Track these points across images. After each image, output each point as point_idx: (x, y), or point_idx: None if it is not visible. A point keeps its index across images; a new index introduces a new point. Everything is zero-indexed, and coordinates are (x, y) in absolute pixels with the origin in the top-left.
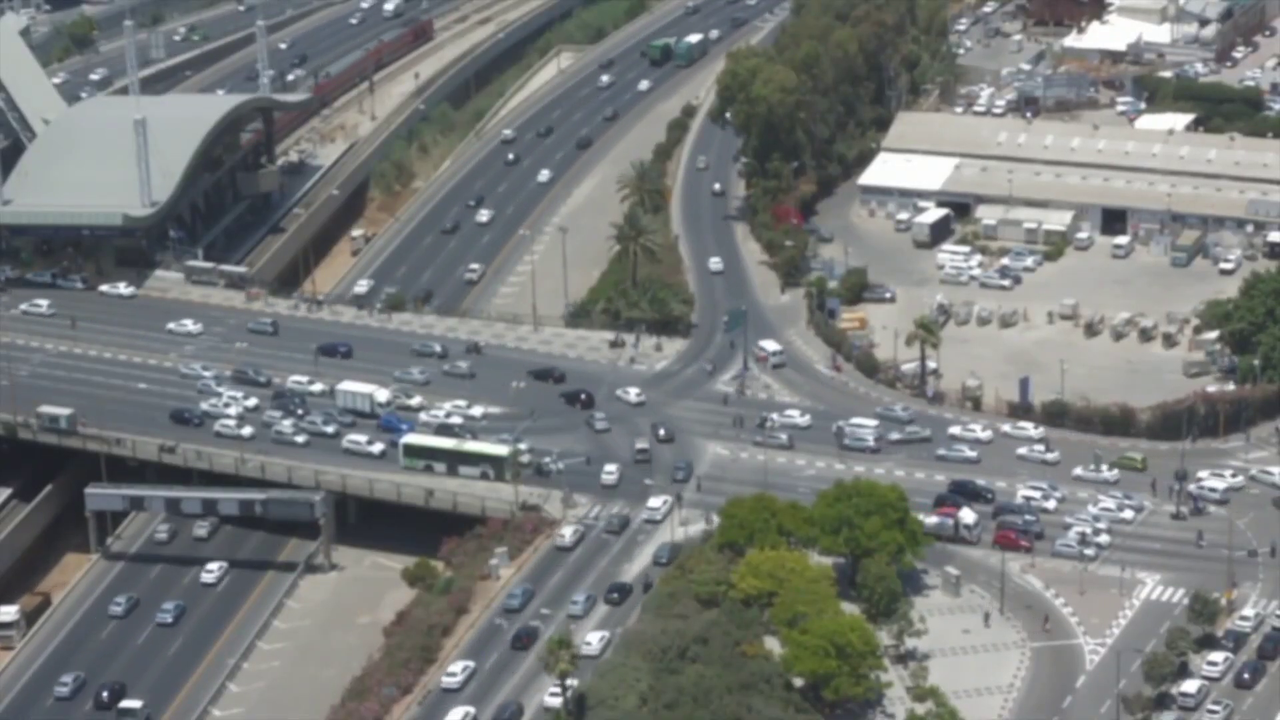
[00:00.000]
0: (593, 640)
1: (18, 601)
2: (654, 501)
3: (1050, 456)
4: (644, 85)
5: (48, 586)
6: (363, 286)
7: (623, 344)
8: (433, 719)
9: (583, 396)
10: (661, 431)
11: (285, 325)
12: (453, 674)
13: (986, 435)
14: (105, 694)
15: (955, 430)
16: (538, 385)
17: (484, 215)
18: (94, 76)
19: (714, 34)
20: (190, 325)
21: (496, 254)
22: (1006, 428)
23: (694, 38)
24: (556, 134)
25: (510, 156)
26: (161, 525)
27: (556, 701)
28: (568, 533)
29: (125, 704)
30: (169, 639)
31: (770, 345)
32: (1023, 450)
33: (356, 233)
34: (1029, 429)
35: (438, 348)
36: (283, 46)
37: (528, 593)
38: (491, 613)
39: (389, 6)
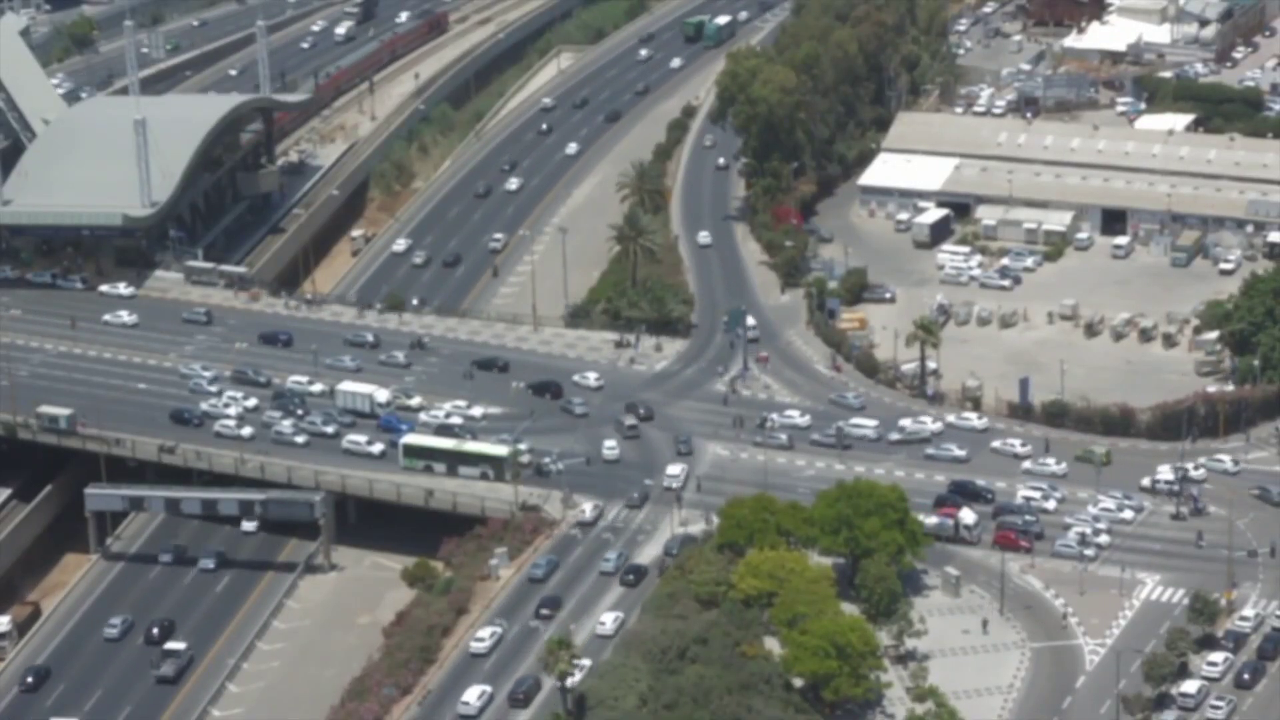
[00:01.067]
0: (607, 620)
1: (9, 611)
2: (673, 469)
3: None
4: (676, 63)
5: (48, 587)
6: (400, 245)
7: (629, 344)
8: (455, 688)
9: (551, 389)
10: (641, 410)
11: (220, 315)
12: (480, 639)
13: (937, 426)
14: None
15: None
16: (483, 374)
17: (513, 183)
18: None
19: (743, 15)
20: (125, 316)
21: (523, 220)
22: (996, 443)
23: (723, 19)
24: (590, 106)
25: (544, 126)
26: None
27: (609, 626)
28: (588, 508)
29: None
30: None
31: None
32: (1028, 464)
33: (356, 233)
34: (1016, 445)
35: (370, 337)
36: (232, 73)
37: (551, 563)
38: (521, 576)
39: (340, 31)
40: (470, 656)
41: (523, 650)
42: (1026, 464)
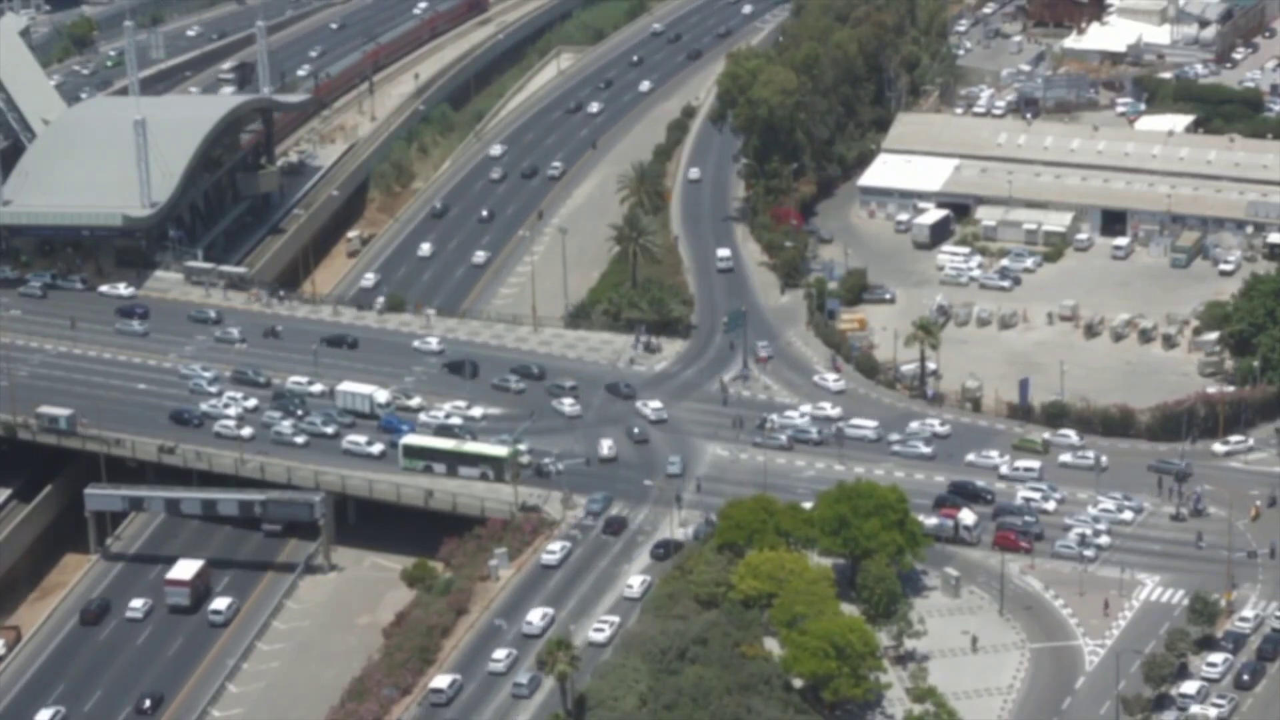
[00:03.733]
0: (634, 584)
1: None
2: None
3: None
4: (748, 9)
5: (48, 587)
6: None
7: (658, 349)
8: (527, 597)
9: (468, 367)
10: (624, 388)
11: (155, 307)
12: (552, 551)
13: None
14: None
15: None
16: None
17: (594, 106)
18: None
19: (747, 9)
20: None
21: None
22: (971, 456)
23: None
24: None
25: (634, 58)
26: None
27: (636, 589)
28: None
29: None
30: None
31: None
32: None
33: (352, 234)
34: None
35: (212, 314)
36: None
37: (607, 498)
38: (584, 506)
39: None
40: (541, 568)
41: (593, 561)
42: (970, 456)
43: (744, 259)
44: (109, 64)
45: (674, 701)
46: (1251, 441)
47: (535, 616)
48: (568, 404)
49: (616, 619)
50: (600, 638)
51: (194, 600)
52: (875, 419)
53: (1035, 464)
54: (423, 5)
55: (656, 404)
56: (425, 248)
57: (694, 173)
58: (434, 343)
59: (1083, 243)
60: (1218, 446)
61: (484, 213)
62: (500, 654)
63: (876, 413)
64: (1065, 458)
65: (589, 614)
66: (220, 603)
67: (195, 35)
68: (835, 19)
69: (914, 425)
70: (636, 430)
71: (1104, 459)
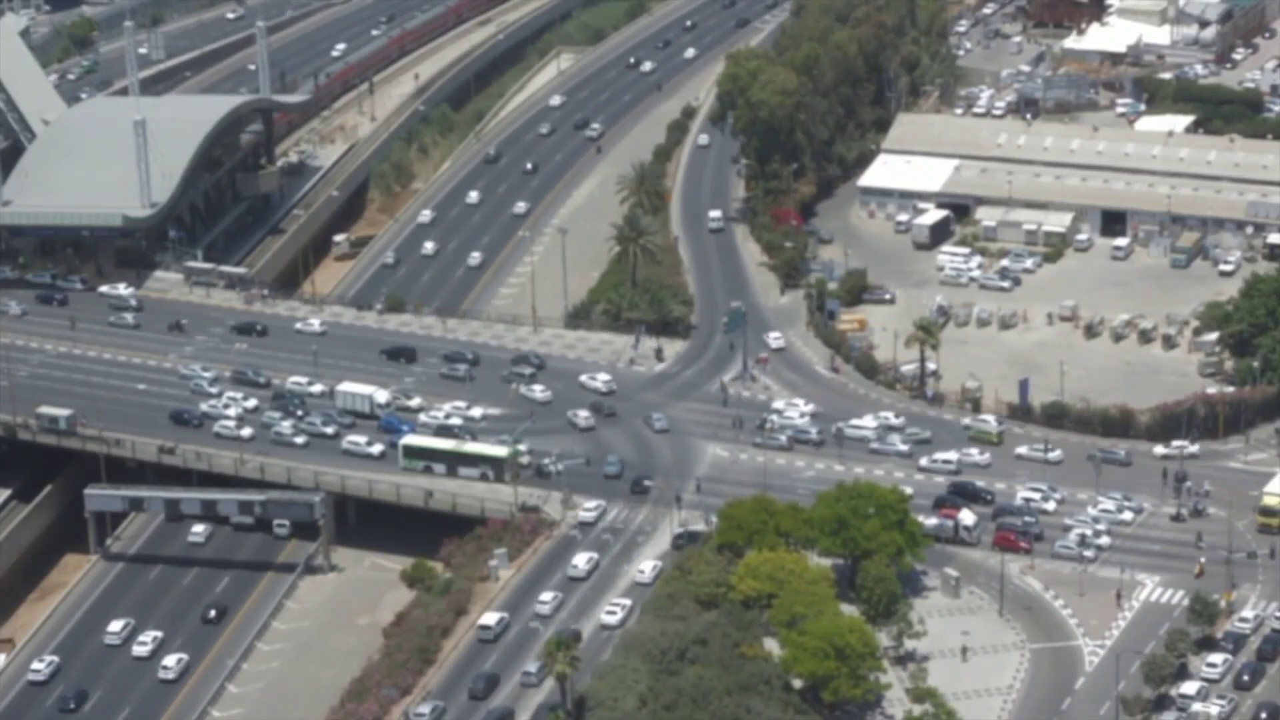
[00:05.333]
0: (645, 569)
1: None
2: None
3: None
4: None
5: (48, 587)
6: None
7: (663, 358)
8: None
9: (405, 353)
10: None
11: (75, 299)
12: (588, 509)
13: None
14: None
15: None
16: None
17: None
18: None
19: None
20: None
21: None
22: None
23: None
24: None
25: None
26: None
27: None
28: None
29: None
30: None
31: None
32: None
33: (339, 237)
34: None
35: (59, 296)
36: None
37: (623, 461)
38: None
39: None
40: (580, 526)
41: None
42: (923, 461)
43: (744, 260)
44: (81, 69)
45: (674, 702)
46: (1195, 448)
47: (580, 561)
48: (538, 390)
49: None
50: (613, 620)
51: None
52: (874, 420)
53: (986, 455)
54: None
55: (605, 376)
56: (428, 247)
57: (703, 139)
58: (316, 324)
59: (1083, 243)
60: (1158, 449)
61: (528, 165)
62: (547, 596)
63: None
64: (1021, 449)
65: (632, 559)
66: (170, 659)
67: (235, 18)
68: (835, 19)
69: (867, 419)
70: (585, 415)
71: (1058, 452)
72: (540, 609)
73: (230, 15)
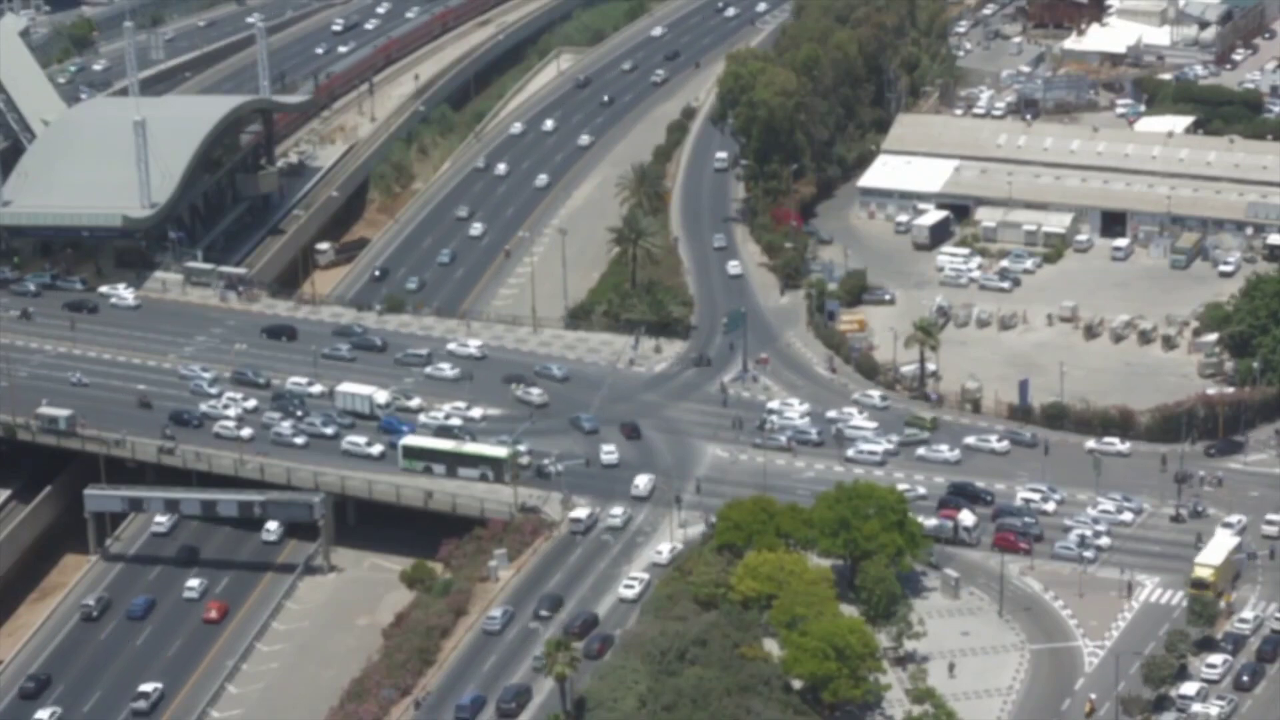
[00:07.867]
0: (663, 550)
1: None
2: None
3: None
4: (763, 7)
5: (47, 587)
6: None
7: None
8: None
9: (285, 333)
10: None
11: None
12: (610, 451)
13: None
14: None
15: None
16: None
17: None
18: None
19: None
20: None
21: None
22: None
23: None
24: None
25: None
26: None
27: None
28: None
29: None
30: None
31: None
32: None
33: (323, 245)
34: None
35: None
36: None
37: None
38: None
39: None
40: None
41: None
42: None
43: (744, 261)
44: (69, 73)
45: (673, 702)
46: (1127, 446)
47: (642, 481)
48: (535, 393)
49: (647, 576)
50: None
51: None
52: (875, 420)
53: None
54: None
55: (559, 369)
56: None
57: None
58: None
59: (1082, 244)
60: (1091, 442)
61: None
62: (617, 510)
63: (875, 415)
64: (970, 440)
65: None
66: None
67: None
68: (835, 20)
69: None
70: (536, 391)
71: (1005, 443)
72: (612, 521)
73: (202, 24)
